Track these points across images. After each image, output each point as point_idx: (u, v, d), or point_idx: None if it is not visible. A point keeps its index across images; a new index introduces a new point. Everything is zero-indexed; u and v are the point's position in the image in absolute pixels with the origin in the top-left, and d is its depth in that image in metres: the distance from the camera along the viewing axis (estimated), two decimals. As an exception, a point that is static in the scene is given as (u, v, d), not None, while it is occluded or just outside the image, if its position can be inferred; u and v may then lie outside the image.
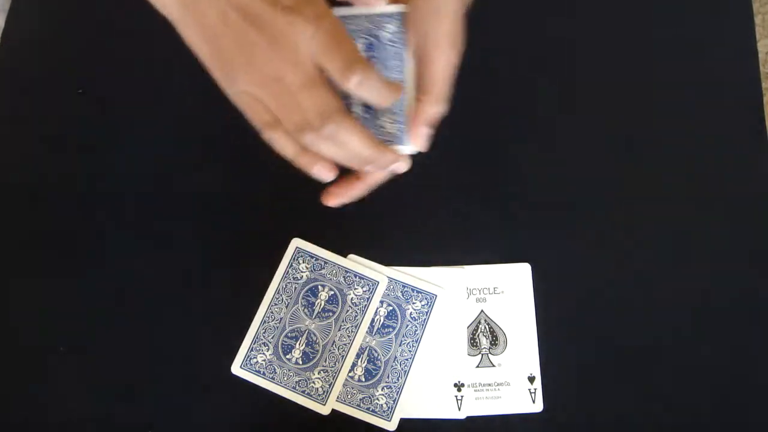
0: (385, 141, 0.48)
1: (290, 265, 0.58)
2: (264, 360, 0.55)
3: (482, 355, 0.57)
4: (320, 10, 0.44)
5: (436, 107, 0.48)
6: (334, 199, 0.50)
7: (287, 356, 0.56)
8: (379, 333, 0.57)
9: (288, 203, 0.60)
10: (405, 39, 0.49)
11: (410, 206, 0.61)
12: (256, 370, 0.55)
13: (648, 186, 0.61)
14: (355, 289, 0.57)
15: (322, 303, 0.57)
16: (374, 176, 0.50)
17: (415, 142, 0.48)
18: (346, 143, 0.46)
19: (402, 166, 0.49)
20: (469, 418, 0.55)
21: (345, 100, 0.47)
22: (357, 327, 0.56)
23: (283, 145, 0.47)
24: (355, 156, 0.47)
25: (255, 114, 0.47)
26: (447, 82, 0.48)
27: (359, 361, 0.56)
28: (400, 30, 0.49)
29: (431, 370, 0.56)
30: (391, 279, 0.58)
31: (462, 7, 0.49)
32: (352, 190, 0.50)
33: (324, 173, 0.48)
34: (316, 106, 0.45)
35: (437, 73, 0.48)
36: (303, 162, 0.48)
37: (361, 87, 0.44)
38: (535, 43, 0.66)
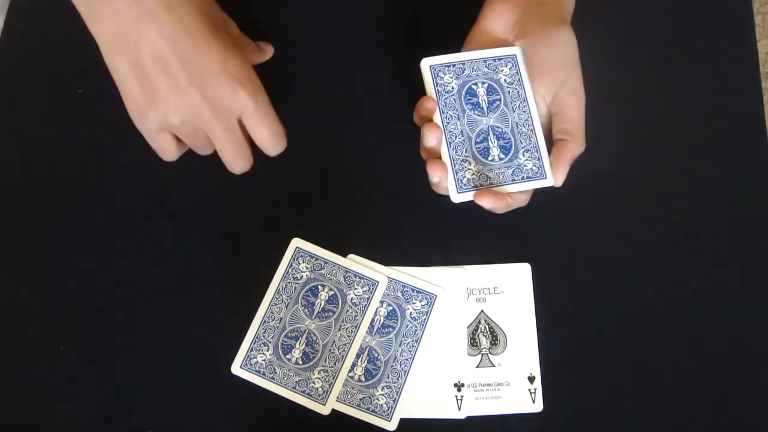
0: (528, 178, 0.53)
1: (290, 265, 0.58)
2: (264, 360, 0.55)
3: (482, 355, 0.57)
4: (259, 88, 0.50)
5: (580, 147, 0.53)
6: (485, 200, 0.52)
7: (287, 356, 0.56)
8: (379, 333, 0.57)
9: (288, 203, 0.60)
10: (522, 79, 0.54)
11: (410, 206, 0.61)
12: (256, 370, 0.55)
13: (648, 186, 0.61)
14: (355, 289, 0.57)
15: (322, 303, 0.57)
16: (516, 202, 0.53)
17: (558, 176, 0.53)
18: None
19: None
20: (469, 418, 0.55)
21: (483, 143, 0.53)
22: (357, 327, 0.56)
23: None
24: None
25: (162, 145, 0.53)
26: (584, 125, 0.53)
27: (359, 361, 0.56)
28: (515, 72, 0.54)
29: (431, 370, 0.56)
30: (391, 279, 0.58)
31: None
32: (503, 201, 0.52)
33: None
34: (237, 163, 0.52)
35: (577, 117, 0.53)
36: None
37: (277, 152, 0.51)
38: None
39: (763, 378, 0.57)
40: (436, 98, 0.53)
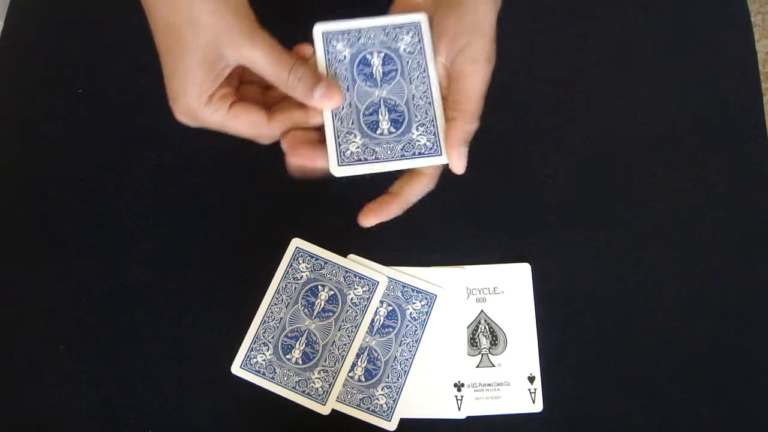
0: (420, 154, 0.48)
1: (290, 265, 0.58)
2: (264, 360, 0.55)
3: (482, 355, 0.57)
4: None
5: (471, 125, 0.47)
6: (369, 219, 0.49)
7: (287, 356, 0.56)
8: (379, 333, 0.57)
9: (288, 203, 0.60)
10: (424, 48, 0.49)
11: (410, 206, 0.61)
12: (256, 370, 0.55)
13: (648, 186, 0.61)
14: (355, 289, 0.57)
15: (322, 303, 0.57)
16: (409, 194, 0.49)
17: (453, 161, 0.47)
18: None
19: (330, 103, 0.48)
20: (469, 418, 0.55)
21: (372, 116, 0.48)
22: (357, 327, 0.56)
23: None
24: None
25: None
26: (481, 99, 0.48)
27: (359, 361, 0.56)
28: (417, 40, 0.50)
29: (431, 370, 0.56)
30: (391, 279, 0.58)
31: (495, 23, 0.48)
32: (387, 209, 0.49)
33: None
34: None
35: (473, 90, 0.47)
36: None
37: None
38: (535, 44, 0.66)
39: (763, 378, 0.57)
40: (325, 66, 0.49)
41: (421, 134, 0.48)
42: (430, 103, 0.49)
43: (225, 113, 0.46)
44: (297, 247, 0.58)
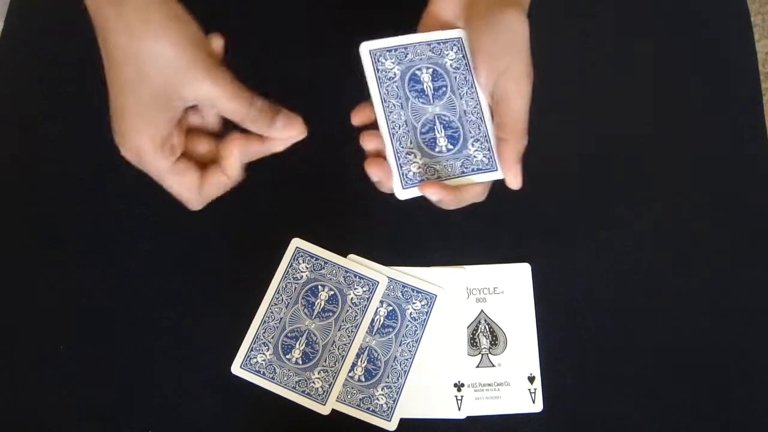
0: (479, 170, 0.49)
1: (290, 265, 0.58)
2: (264, 360, 0.55)
3: (482, 355, 0.57)
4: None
5: (522, 143, 0.48)
6: (429, 190, 0.48)
7: (287, 356, 0.56)
8: (379, 333, 0.57)
9: (288, 203, 0.60)
10: (468, 64, 0.50)
11: (410, 206, 0.60)
12: (256, 370, 0.55)
13: (648, 186, 0.62)
14: (355, 289, 0.57)
15: (322, 303, 0.57)
16: (465, 195, 0.49)
17: (510, 179, 0.48)
18: None
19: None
20: (469, 418, 0.55)
21: (429, 134, 0.48)
22: (357, 327, 0.56)
23: None
24: None
25: None
26: (527, 116, 0.48)
27: (359, 361, 0.56)
28: (462, 56, 0.50)
29: (431, 370, 0.56)
30: (391, 279, 0.58)
31: (529, 35, 0.48)
32: (447, 196, 0.48)
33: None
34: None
35: (520, 110, 0.48)
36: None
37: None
38: (535, 44, 0.66)
39: (763, 378, 0.57)
40: (377, 85, 0.49)
41: (477, 150, 0.49)
42: (481, 118, 0.49)
43: (169, 166, 0.46)
44: (297, 247, 0.58)
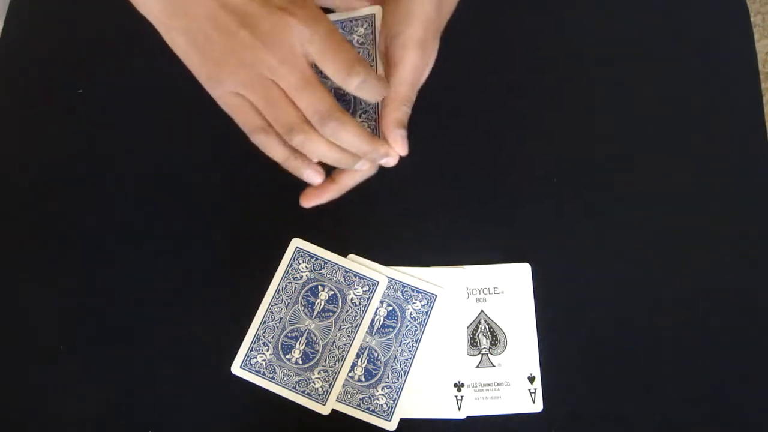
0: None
1: (290, 265, 0.58)
2: (264, 360, 0.55)
3: (482, 355, 0.57)
4: (314, 12, 0.44)
5: (400, 109, 0.48)
6: (310, 201, 0.51)
7: (287, 356, 0.56)
8: (379, 333, 0.57)
9: (288, 203, 0.60)
10: (374, 41, 0.50)
11: (410, 206, 0.61)
12: (256, 370, 0.55)
13: (648, 186, 0.61)
14: (355, 289, 0.57)
15: (322, 303, 0.57)
16: (348, 179, 0.51)
17: (392, 144, 0.48)
18: (344, 140, 0.46)
19: (392, 160, 0.49)
20: (469, 418, 0.55)
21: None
22: (357, 327, 0.56)
23: (272, 148, 0.47)
24: (348, 154, 0.47)
25: (244, 116, 0.47)
26: (412, 84, 0.48)
27: (359, 361, 0.56)
28: (370, 32, 0.50)
29: (431, 370, 0.56)
30: (391, 279, 0.58)
31: (436, 13, 0.49)
32: (326, 193, 0.51)
33: (314, 177, 0.48)
34: (314, 106, 0.45)
35: (402, 74, 0.48)
36: (293, 166, 0.48)
37: (361, 88, 0.45)
38: (535, 42, 0.66)
39: (763, 378, 0.57)
40: None
41: (362, 121, 0.49)
42: (375, 109, 0.50)
43: None
44: (297, 247, 0.58)
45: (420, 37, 0.48)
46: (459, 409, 0.55)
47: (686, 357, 0.57)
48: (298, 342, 0.56)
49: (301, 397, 0.54)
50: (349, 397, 0.55)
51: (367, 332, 0.56)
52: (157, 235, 0.60)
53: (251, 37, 0.44)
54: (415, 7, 0.48)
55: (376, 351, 0.56)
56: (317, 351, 0.56)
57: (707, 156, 0.63)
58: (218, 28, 0.44)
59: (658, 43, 0.66)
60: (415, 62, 0.48)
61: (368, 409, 0.55)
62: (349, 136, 0.46)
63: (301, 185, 0.61)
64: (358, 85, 0.44)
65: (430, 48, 0.49)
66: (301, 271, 0.58)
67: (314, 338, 0.56)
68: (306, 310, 0.57)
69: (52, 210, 0.60)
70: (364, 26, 0.51)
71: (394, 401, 0.55)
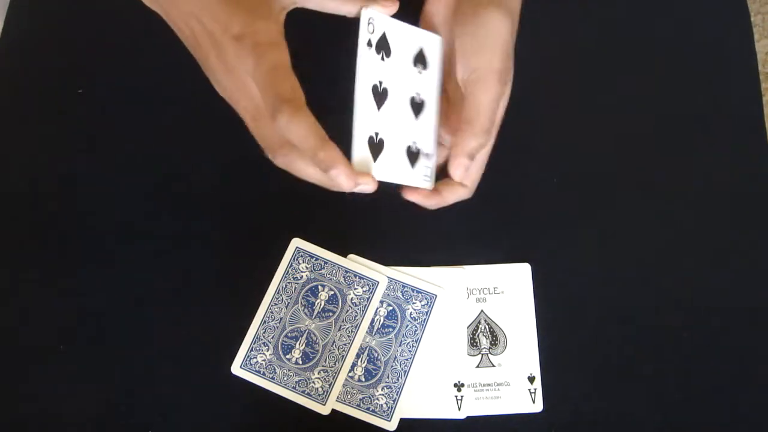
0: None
1: (290, 265, 0.58)
2: (264, 360, 0.55)
3: (482, 355, 0.57)
4: (264, 39, 0.44)
5: (476, 139, 0.47)
6: (413, 197, 0.51)
7: (287, 356, 0.56)
8: (379, 333, 0.57)
9: (288, 203, 0.60)
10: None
11: (410, 206, 0.61)
12: (256, 370, 0.55)
13: (648, 186, 0.61)
14: (355, 289, 0.57)
15: (322, 303, 0.57)
16: (448, 196, 0.51)
17: (454, 172, 0.48)
18: (298, 172, 0.47)
19: (368, 188, 0.47)
20: (469, 418, 0.55)
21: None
22: (357, 327, 0.56)
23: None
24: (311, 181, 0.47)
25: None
26: (491, 116, 0.48)
27: (359, 361, 0.56)
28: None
29: (431, 370, 0.56)
30: (391, 279, 0.58)
31: (512, 36, 0.49)
32: (430, 200, 0.51)
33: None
34: (264, 141, 0.46)
35: (482, 105, 0.47)
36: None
37: (285, 129, 0.43)
38: (535, 43, 0.66)
39: (763, 378, 0.57)
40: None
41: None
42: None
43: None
44: (297, 247, 0.58)
45: (499, 68, 0.48)
46: (459, 409, 0.55)
47: (687, 356, 0.57)
48: (298, 342, 0.56)
49: (301, 397, 0.54)
50: (349, 397, 0.55)
51: (367, 332, 0.56)
52: (157, 235, 0.59)
53: (217, 60, 0.45)
54: (493, 36, 0.48)
55: (376, 351, 0.56)
56: (317, 351, 0.56)
57: (707, 156, 0.63)
58: (198, 45, 0.46)
59: (658, 42, 0.66)
60: (494, 93, 0.48)
61: (368, 409, 0.55)
62: (301, 170, 0.47)
63: (302, 185, 0.61)
64: (283, 125, 0.43)
65: (509, 78, 0.49)
66: (301, 271, 0.58)
67: (314, 338, 0.56)
68: (306, 310, 0.57)
69: (52, 210, 0.60)
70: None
71: (394, 401, 0.55)
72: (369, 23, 0.47)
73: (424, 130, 0.51)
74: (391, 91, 0.48)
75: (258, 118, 0.46)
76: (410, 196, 0.51)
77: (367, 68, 0.47)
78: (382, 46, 0.48)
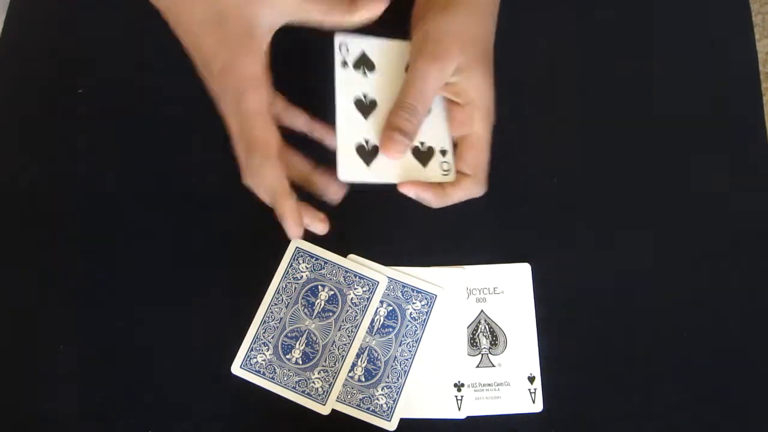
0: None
1: (290, 265, 0.58)
2: (264, 360, 0.55)
3: (482, 355, 0.57)
4: (246, 75, 0.47)
5: (397, 114, 0.50)
6: (409, 190, 0.52)
7: (287, 356, 0.56)
8: (379, 333, 0.57)
9: (288, 203, 0.60)
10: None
11: (410, 206, 0.60)
12: (256, 370, 0.55)
13: (648, 186, 0.61)
14: (355, 289, 0.57)
15: (322, 303, 0.57)
16: (452, 195, 0.52)
17: (381, 147, 0.51)
18: (261, 197, 0.50)
19: (317, 229, 0.52)
20: (469, 418, 0.55)
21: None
22: (357, 327, 0.56)
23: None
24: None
25: None
26: (414, 91, 0.50)
27: (359, 361, 0.56)
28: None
29: (431, 370, 0.56)
30: (391, 279, 0.58)
31: (470, 22, 0.51)
32: (432, 196, 0.52)
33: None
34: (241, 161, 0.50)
35: (410, 79, 0.50)
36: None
37: (256, 171, 0.48)
38: (535, 42, 0.66)
39: (763, 378, 0.57)
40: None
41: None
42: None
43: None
44: (297, 247, 0.58)
45: (432, 51, 0.50)
46: (459, 409, 0.55)
47: (687, 356, 0.57)
48: (298, 342, 0.56)
49: (301, 397, 0.54)
50: (349, 397, 0.55)
51: (367, 332, 0.56)
52: (157, 235, 0.59)
53: (211, 86, 0.48)
54: (430, 26, 0.50)
55: (376, 351, 0.56)
56: (317, 351, 0.56)
57: (707, 156, 0.63)
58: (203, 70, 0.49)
59: (658, 42, 0.66)
60: (422, 70, 0.50)
61: (368, 409, 0.55)
62: (263, 198, 0.50)
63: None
64: (253, 168, 0.48)
65: (455, 61, 0.50)
66: (301, 271, 0.58)
67: (314, 338, 0.56)
68: (306, 310, 0.57)
69: (52, 210, 0.60)
70: None
71: (394, 401, 0.55)
72: (341, 46, 0.52)
73: (433, 129, 0.53)
74: (380, 100, 0.52)
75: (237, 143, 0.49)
76: (406, 189, 0.51)
77: (344, 85, 0.52)
78: (363, 63, 0.52)
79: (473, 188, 0.52)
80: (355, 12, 0.48)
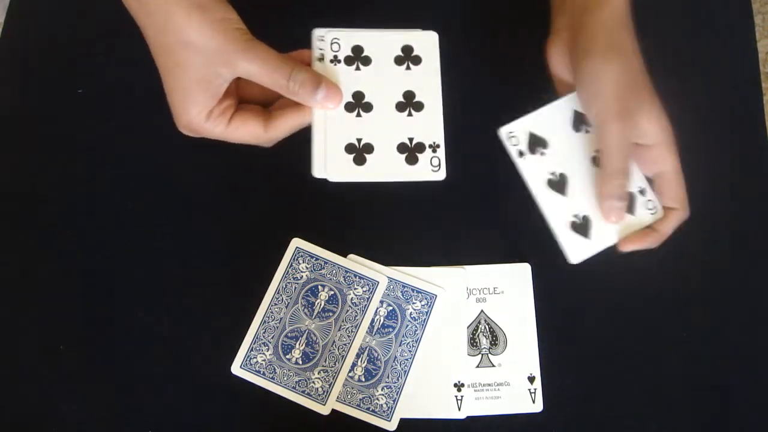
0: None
1: (290, 265, 0.58)
2: (264, 360, 0.55)
3: (482, 355, 0.57)
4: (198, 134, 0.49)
5: (609, 180, 0.50)
6: (629, 246, 0.52)
7: (287, 356, 0.56)
8: (379, 333, 0.57)
9: (288, 203, 0.60)
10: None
11: (410, 206, 0.61)
12: (256, 370, 0.55)
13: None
14: (355, 289, 0.57)
15: (322, 303, 0.57)
16: (666, 227, 0.52)
17: (605, 216, 0.51)
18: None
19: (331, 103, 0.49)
20: (469, 418, 0.55)
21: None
22: (357, 327, 0.56)
23: None
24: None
25: None
26: (619, 155, 0.49)
27: (359, 361, 0.56)
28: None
29: (431, 370, 0.56)
30: (391, 279, 0.58)
31: (627, 76, 0.50)
32: (648, 241, 0.52)
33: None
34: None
35: (607, 149, 0.49)
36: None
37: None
38: (535, 41, 0.66)
39: (763, 378, 0.57)
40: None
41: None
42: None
43: (225, 127, 0.47)
44: (297, 247, 0.58)
45: (617, 110, 0.49)
46: (459, 409, 0.55)
47: (686, 356, 0.57)
48: (298, 342, 0.56)
49: (301, 397, 0.54)
50: (349, 397, 0.55)
51: (367, 332, 0.56)
52: (158, 235, 0.60)
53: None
54: (602, 84, 0.49)
55: (376, 351, 0.56)
56: (317, 351, 0.56)
57: (707, 156, 0.62)
58: None
59: (658, 42, 0.66)
60: (616, 133, 0.49)
61: (368, 409, 0.55)
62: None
63: (302, 185, 0.61)
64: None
65: (630, 109, 0.50)
66: (301, 271, 0.58)
67: (314, 338, 0.56)
68: (306, 310, 0.57)
69: (51, 209, 0.60)
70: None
71: (394, 401, 0.55)
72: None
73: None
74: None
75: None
76: (627, 247, 0.51)
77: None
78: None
79: (682, 216, 0.52)
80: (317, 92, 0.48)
